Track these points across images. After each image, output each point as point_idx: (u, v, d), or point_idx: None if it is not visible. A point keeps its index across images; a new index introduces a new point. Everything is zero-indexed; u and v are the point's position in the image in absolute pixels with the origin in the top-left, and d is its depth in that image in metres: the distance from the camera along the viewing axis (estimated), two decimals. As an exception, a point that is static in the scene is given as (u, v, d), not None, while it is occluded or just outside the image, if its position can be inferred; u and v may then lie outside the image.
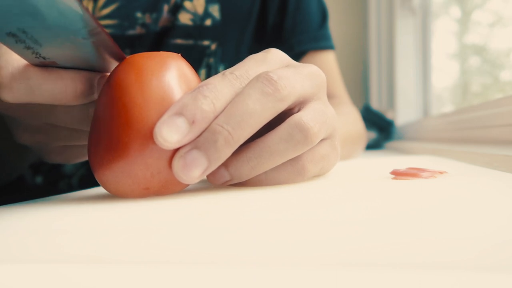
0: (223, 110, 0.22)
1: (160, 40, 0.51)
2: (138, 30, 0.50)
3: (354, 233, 0.13)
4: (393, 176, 0.27)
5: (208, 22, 0.52)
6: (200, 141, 0.22)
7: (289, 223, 0.15)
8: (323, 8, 0.61)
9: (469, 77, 1.30)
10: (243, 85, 0.23)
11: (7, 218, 0.19)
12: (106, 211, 0.20)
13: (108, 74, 0.26)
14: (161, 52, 0.24)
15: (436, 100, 1.41)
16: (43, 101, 0.24)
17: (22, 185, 0.53)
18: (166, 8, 0.51)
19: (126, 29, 0.49)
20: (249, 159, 0.24)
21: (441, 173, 0.27)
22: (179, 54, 0.25)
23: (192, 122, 0.21)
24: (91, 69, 0.26)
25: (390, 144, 1.13)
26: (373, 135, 1.17)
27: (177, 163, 0.22)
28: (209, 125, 0.22)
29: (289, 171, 0.25)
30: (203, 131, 0.22)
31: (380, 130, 1.20)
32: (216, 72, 0.54)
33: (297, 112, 0.25)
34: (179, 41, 0.52)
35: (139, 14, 0.50)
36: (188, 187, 0.27)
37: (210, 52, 0.53)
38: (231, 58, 0.55)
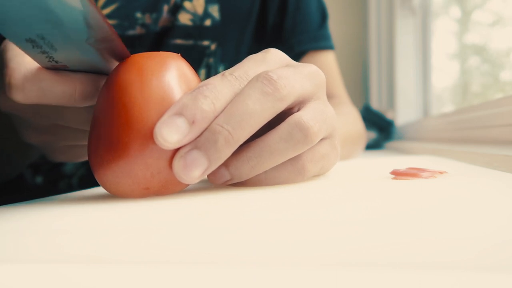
0: (223, 110, 0.22)
1: (160, 40, 0.51)
2: (138, 30, 0.50)
3: (354, 233, 0.13)
4: (393, 176, 0.27)
5: (207, 22, 0.52)
6: (200, 141, 0.22)
7: (289, 223, 0.15)
8: (323, 8, 0.61)
9: (469, 77, 1.30)
10: (243, 86, 0.23)
11: (7, 218, 0.19)
12: (106, 211, 0.20)
13: None
14: (161, 52, 0.24)
15: (436, 100, 1.41)
16: (53, 102, 0.25)
17: (22, 185, 0.53)
18: (166, 8, 0.51)
19: (126, 29, 0.49)
20: (249, 158, 0.24)
21: (441, 173, 0.27)
22: (179, 54, 0.25)
23: (192, 122, 0.21)
24: (97, 71, 0.26)
25: (390, 144, 1.13)
26: (373, 135, 1.17)
27: (177, 163, 0.22)
28: (209, 125, 0.22)
29: (289, 171, 0.25)
30: (203, 131, 0.22)
31: (380, 130, 1.20)
32: (216, 72, 0.54)
33: (297, 111, 0.25)
34: (179, 41, 0.52)
35: (139, 14, 0.50)
36: (188, 187, 0.27)
37: (210, 52, 0.53)
38: (231, 58, 0.55)
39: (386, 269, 0.10)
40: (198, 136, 0.22)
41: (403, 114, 1.40)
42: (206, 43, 0.53)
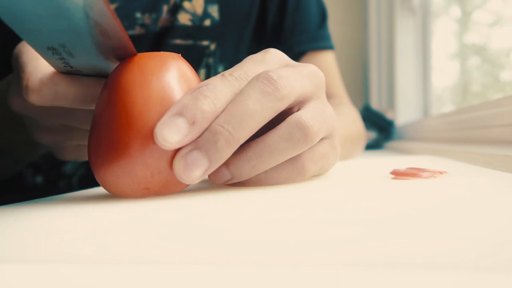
0: (223, 111, 0.22)
1: (159, 40, 0.51)
2: (137, 30, 0.50)
3: (354, 233, 0.13)
4: (393, 176, 0.27)
5: (207, 22, 0.52)
6: (200, 142, 0.22)
7: (289, 223, 0.15)
8: (323, 8, 0.61)
9: (469, 77, 1.30)
10: (243, 86, 0.23)
11: (7, 218, 0.19)
12: (106, 211, 0.20)
13: None
14: (161, 52, 0.24)
15: (436, 100, 1.41)
16: (66, 104, 0.26)
17: (22, 185, 0.53)
18: (165, 8, 0.51)
19: (125, 29, 0.49)
20: (249, 158, 0.24)
21: (441, 173, 0.27)
22: (179, 54, 0.25)
23: (192, 123, 0.21)
24: (106, 76, 0.27)
25: (390, 144, 1.13)
26: (373, 135, 1.17)
27: (178, 163, 0.22)
28: (210, 125, 0.22)
29: (289, 170, 0.25)
30: (204, 132, 0.22)
31: (380, 130, 1.20)
32: (216, 72, 0.54)
33: (297, 111, 0.25)
34: (178, 41, 0.52)
35: (138, 15, 0.50)
36: (188, 187, 0.27)
37: (210, 52, 0.53)
38: (231, 58, 0.55)
39: (386, 269, 0.10)
40: (199, 137, 0.22)
41: (403, 114, 1.40)
42: (205, 43, 0.53)
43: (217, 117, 0.22)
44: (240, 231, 0.14)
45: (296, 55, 0.58)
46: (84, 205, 0.22)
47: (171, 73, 0.23)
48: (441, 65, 1.41)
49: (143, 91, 0.22)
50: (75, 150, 0.34)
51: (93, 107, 0.27)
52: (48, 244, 0.14)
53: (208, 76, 0.54)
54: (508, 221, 0.14)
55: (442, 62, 1.42)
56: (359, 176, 0.29)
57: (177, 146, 0.21)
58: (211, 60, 0.54)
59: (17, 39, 0.30)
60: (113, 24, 0.21)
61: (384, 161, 0.44)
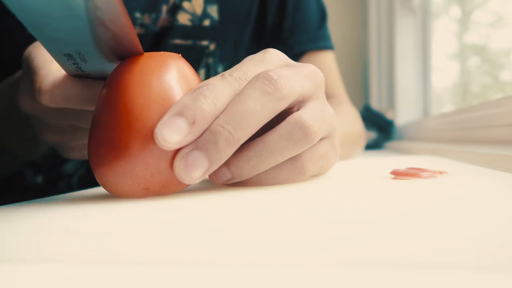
0: (223, 111, 0.22)
1: (159, 40, 0.51)
2: (137, 30, 0.50)
3: (354, 233, 0.13)
4: (393, 176, 0.27)
5: (206, 22, 0.52)
6: (201, 142, 0.22)
7: (289, 223, 0.15)
8: (322, 8, 0.61)
9: (469, 77, 1.30)
10: (243, 86, 0.23)
11: (7, 218, 0.19)
12: (106, 211, 0.20)
13: None
14: (161, 52, 0.24)
15: (436, 100, 1.41)
16: (76, 106, 0.27)
17: (22, 185, 0.53)
18: (165, 8, 0.51)
19: None
20: (249, 158, 0.24)
21: (441, 173, 0.27)
22: (180, 54, 0.25)
23: (192, 123, 0.21)
24: None
25: (390, 144, 1.13)
26: (373, 135, 1.17)
27: (178, 163, 0.22)
28: (210, 125, 0.22)
29: (289, 170, 0.25)
30: (204, 132, 0.22)
31: (380, 130, 1.20)
32: (215, 72, 0.54)
33: (297, 111, 0.25)
34: (178, 41, 0.52)
35: (138, 14, 0.50)
36: (188, 187, 0.27)
37: (209, 52, 0.53)
38: (230, 58, 0.55)
39: (386, 269, 0.10)
40: (199, 137, 0.22)
41: (403, 114, 1.40)
42: (205, 43, 0.53)
43: (217, 117, 0.22)
44: (240, 231, 0.14)
45: (296, 55, 0.58)
46: (84, 205, 0.22)
47: (171, 73, 0.23)
48: (441, 65, 1.42)
49: (143, 91, 0.22)
50: (80, 149, 0.35)
51: None
52: (48, 244, 0.14)
53: (207, 76, 0.54)
54: (508, 221, 0.14)
55: (442, 62, 1.42)
56: (359, 176, 0.29)
57: (177, 146, 0.21)
58: (210, 60, 0.54)
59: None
60: (124, 24, 0.22)
61: (384, 161, 0.44)
